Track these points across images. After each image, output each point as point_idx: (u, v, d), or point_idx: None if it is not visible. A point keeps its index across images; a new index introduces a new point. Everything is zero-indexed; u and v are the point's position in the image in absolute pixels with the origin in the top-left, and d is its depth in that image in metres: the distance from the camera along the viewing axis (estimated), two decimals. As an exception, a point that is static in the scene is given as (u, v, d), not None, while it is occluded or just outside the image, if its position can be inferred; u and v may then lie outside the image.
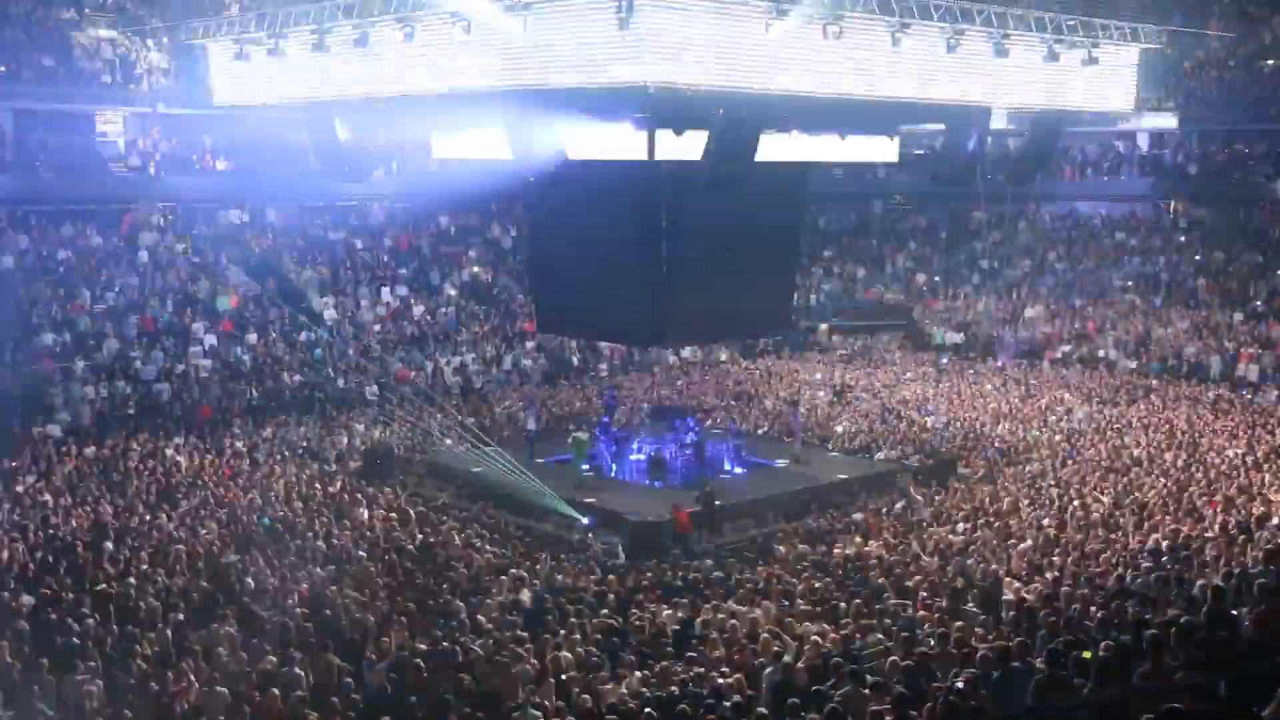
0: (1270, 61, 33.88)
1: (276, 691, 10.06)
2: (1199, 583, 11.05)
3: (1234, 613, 9.17)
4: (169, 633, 12.34)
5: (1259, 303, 32.02)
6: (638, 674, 10.97)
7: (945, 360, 33.33)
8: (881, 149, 21.29)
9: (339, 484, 20.75)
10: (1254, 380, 28.51)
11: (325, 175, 24.67)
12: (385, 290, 33.03)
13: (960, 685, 8.36)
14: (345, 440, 24.42)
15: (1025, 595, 12.48)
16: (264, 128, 30.79)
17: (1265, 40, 34.28)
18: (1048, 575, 13.19)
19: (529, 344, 32.36)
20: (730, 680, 10.26)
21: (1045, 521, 16.61)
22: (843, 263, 39.86)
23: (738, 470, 22.72)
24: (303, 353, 29.15)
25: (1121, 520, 16.34)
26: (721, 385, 30.34)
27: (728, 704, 9.52)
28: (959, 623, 11.25)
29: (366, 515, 18.35)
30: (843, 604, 13.01)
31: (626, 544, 18.41)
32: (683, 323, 21.32)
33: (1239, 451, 21.18)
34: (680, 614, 13.17)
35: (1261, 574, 10.86)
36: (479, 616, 13.05)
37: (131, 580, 14.20)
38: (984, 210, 39.93)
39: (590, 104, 16.48)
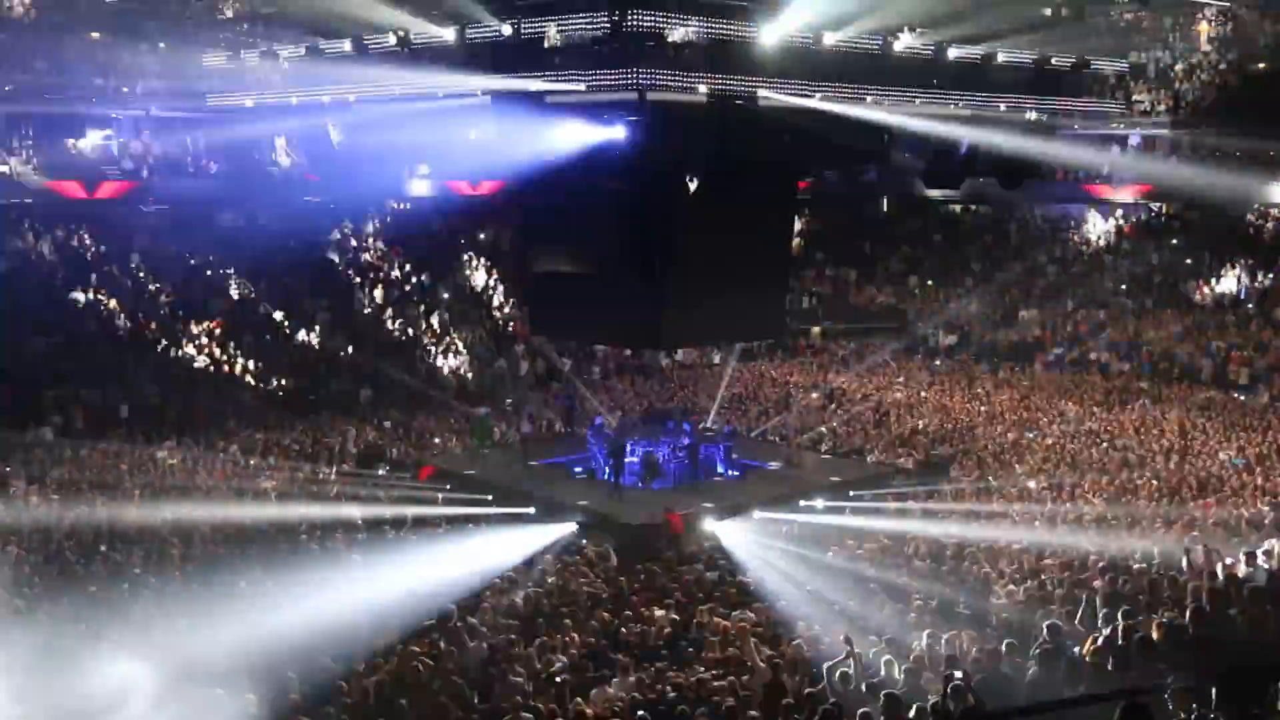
0: (1262, 65, 33.98)
1: (253, 696, 10.02)
2: (1190, 585, 11.09)
3: (1225, 614, 9.21)
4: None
5: (1250, 305, 32.14)
6: (631, 677, 10.98)
7: (939, 362, 33.41)
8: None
9: (333, 487, 20.75)
10: (1245, 383, 28.61)
11: (318, 177, 24.81)
12: (377, 292, 33.02)
13: (953, 686, 8.38)
14: (338, 443, 24.38)
15: (1017, 597, 12.53)
16: (257, 130, 30.80)
17: (1258, 44, 34.36)
18: (1039, 577, 13.23)
19: (521, 347, 32.37)
20: (724, 683, 10.27)
21: (1037, 523, 16.66)
22: (835, 265, 39.91)
23: (732, 473, 22.72)
24: (296, 355, 29.16)
25: (1113, 522, 16.40)
26: (714, 388, 30.39)
27: (722, 707, 9.54)
28: (950, 624, 11.29)
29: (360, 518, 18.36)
30: (837, 607, 13.05)
31: (619, 546, 18.39)
32: (678, 326, 21.33)
33: (1230, 454, 21.28)
34: (674, 616, 13.18)
35: (1252, 576, 10.91)
36: (473, 620, 13.05)
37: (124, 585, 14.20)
38: (975, 212, 40.19)
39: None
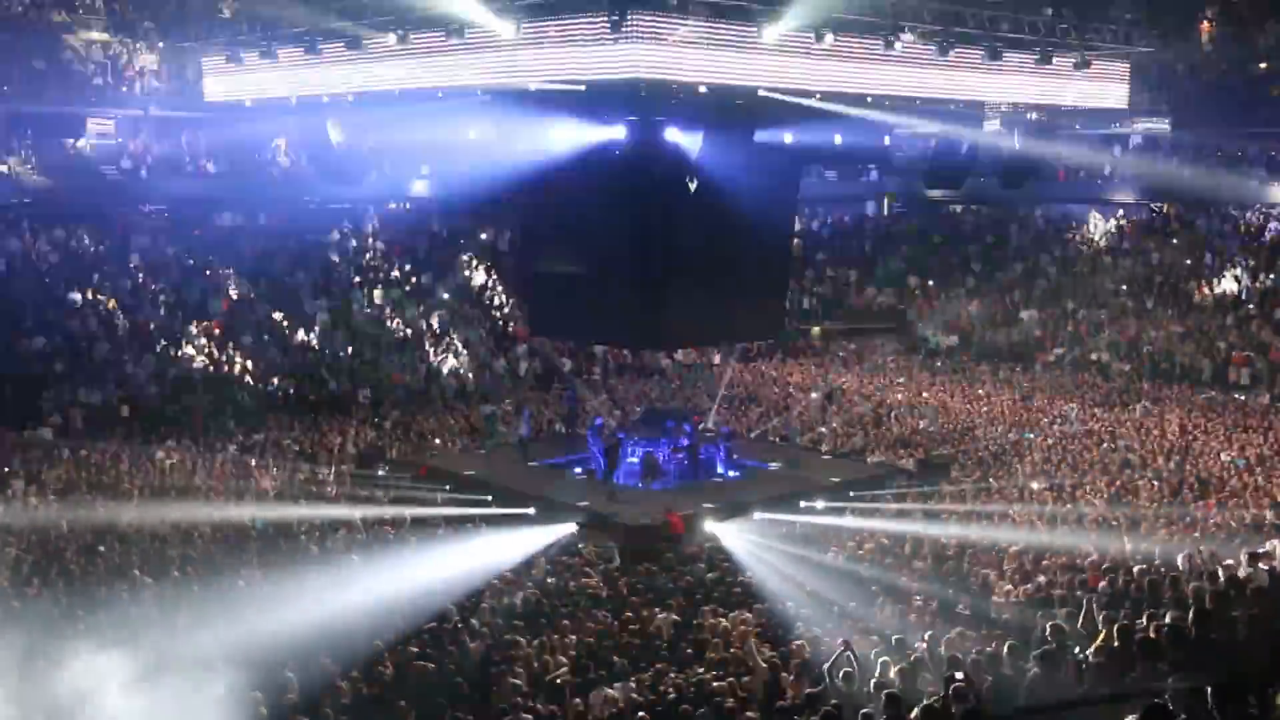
0: (1263, 65, 33.99)
1: (260, 694, 10.00)
2: (1191, 585, 11.07)
3: (1227, 615, 9.19)
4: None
5: (1250, 306, 32.11)
6: (631, 678, 10.96)
7: (940, 363, 33.39)
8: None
9: (333, 487, 20.75)
10: (1245, 384, 28.58)
11: (318, 178, 24.83)
12: (377, 293, 33.00)
13: (954, 688, 8.36)
14: (338, 443, 24.35)
15: (1017, 598, 12.51)
16: (257, 130, 30.86)
17: (1258, 44, 34.37)
18: (1040, 578, 13.21)
19: (521, 347, 32.34)
20: (724, 683, 10.26)
21: (1037, 524, 16.64)
22: (835, 265, 39.88)
23: (732, 473, 22.70)
24: (295, 355, 29.16)
25: (1114, 523, 16.38)
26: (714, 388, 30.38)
27: (722, 707, 9.53)
28: (951, 625, 11.27)
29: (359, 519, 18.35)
30: (837, 607, 13.04)
31: (620, 547, 18.38)
32: (678, 326, 21.34)
33: (1231, 455, 21.26)
34: (674, 617, 13.17)
35: (1254, 577, 10.88)
36: (473, 620, 13.04)
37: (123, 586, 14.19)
38: (975, 212, 40.17)
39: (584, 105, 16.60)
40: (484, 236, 36.74)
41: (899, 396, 28.69)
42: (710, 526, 19.00)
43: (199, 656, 11.36)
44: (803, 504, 20.09)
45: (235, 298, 30.71)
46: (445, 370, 30.58)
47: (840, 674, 9.59)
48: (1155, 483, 19.27)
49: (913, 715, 7.96)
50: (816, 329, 36.46)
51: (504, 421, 26.41)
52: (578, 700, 10.28)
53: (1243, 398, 27.65)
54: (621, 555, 17.87)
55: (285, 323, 30.45)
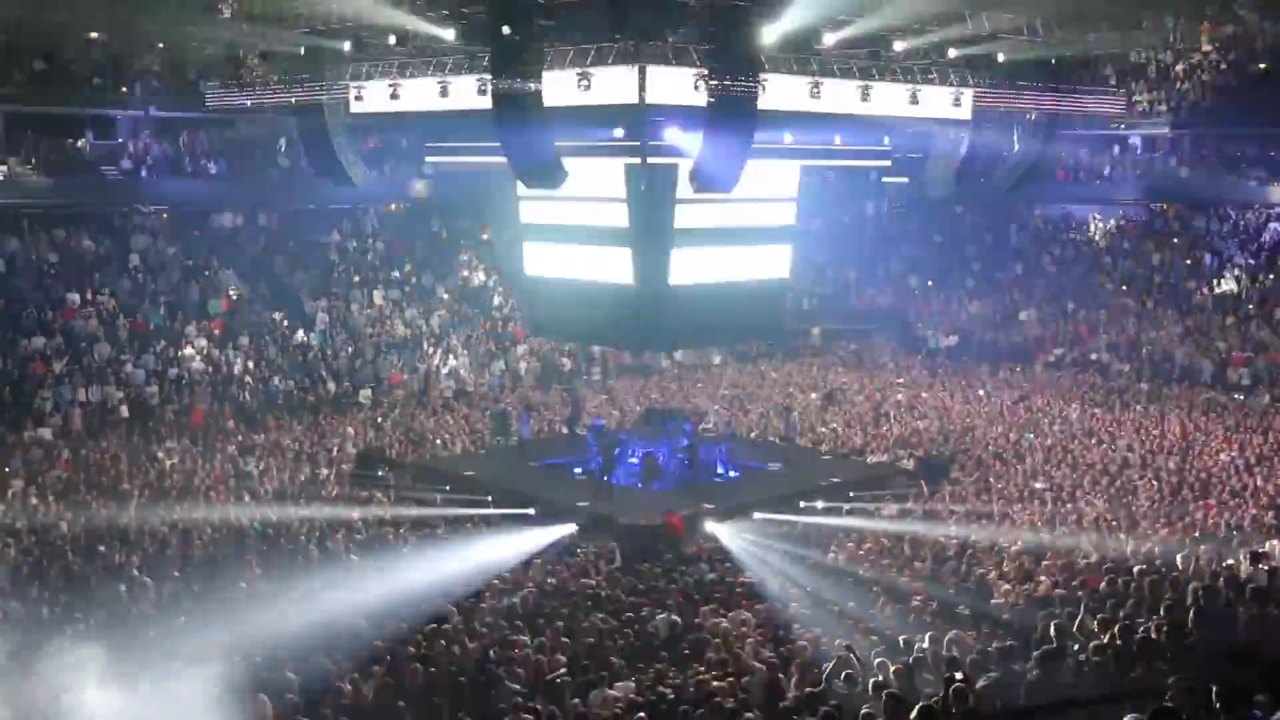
0: (1262, 65, 33.98)
1: (265, 697, 10.00)
2: (1191, 585, 11.07)
3: (1226, 615, 9.20)
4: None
5: (1250, 306, 32.10)
6: (630, 679, 10.95)
7: (940, 362, 33.38)
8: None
9: (333, 488, 20.74)
10: (1245, 384, 28.57)
11: (317, 178, 24.86)
12: (377, 293, 32.99)
13: (955, 688, 8.36)
14: (338, 443, 24.34)
15: (1017, 598, 12.52)
16: (256, 131, 30.92)
17: (1257, 44, 34.38)
18: (1040, 578, 13.21)
19: (521, 348, 32.34)
20: (723, 684, 10.25)
21: (1037, 524, 16.64)
22: (835, 265, 39.84)
23: (732, 474, 22.68)
24: (295, 356, 29.16)
25: (1114, 523, 16.38)
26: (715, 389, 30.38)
27: (722, 707, 9.52)
28: (951, 625, 11.27)
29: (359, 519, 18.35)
30: (837, 607, 13.04)
31: (620, 547, 18.37)
32: (676, 327, 21.33)
33: (1231, 455, 21.25)
34: (674, 617, 13.16)
35: (1253, 577, 10.89)
36: (472, 620, 13.03)
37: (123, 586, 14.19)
38: (975, 213, 40.13)
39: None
40: (484, 237, 36.72)
41: (899, 396, 28.68)
42: (710, 526, 18.98)
43: (198, 657, 11.38)
44: (803, 504, 20.07)
45: (235, 298, 30.70)
46: (445, 370, 30.57)
47: (841, 675, 9.59)
48: (1155, 483, 19.25)
49: (912, 715, 7.96)
50: (816, 329, 36.43)
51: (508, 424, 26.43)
52: (577, 700, 10.27)
53: (1243, 398, 27.63)
54: (621, 555, 17.87)
55: (285, 323, 30.45)
